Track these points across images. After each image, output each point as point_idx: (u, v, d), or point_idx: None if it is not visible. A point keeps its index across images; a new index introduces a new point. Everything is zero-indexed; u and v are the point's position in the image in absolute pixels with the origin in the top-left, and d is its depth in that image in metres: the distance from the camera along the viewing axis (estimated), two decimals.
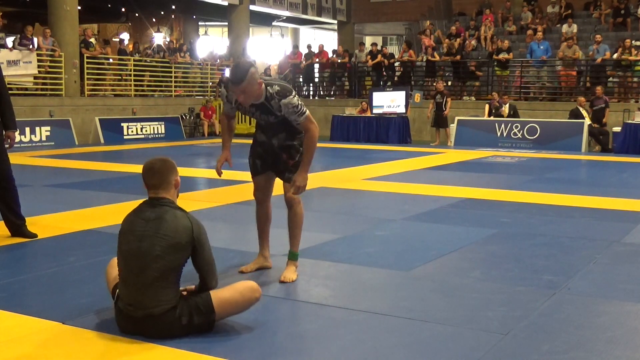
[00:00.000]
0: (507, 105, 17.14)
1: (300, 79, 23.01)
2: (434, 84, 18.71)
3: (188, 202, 6.98)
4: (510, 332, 3.65)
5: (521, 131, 16.51)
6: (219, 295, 3.61)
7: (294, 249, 4.74)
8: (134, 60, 19.65)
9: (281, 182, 4.70)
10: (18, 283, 4.57)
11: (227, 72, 22.06)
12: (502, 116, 17.05)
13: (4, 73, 6.00)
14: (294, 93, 4.33)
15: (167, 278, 3.45)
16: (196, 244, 3.51)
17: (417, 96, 18.74)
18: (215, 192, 8.87)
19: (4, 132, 5.77)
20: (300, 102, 4.34)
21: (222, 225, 6.67)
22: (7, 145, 5.80)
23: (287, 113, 4.31)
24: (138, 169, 12.26)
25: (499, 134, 16.74)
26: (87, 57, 17.84)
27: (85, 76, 17.95)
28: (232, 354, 3.31)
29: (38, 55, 16.64)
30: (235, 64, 4.37)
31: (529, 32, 20.33)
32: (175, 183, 3.62)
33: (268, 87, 4.28)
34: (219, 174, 4.72)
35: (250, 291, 3.68)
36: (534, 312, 4.02)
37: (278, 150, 4.60)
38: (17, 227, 5.76)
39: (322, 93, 23.06)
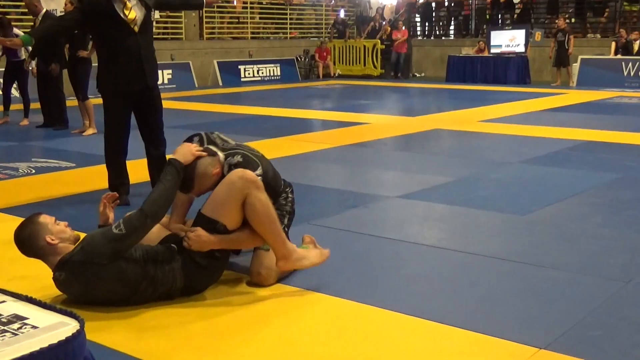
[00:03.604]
0: (639, 42, 16.15)
1: (417, 19, 22.58)
2: (556, 22, 17.87)
3: (303, 143, 7.08)
4: (632, 280, 3.53)
5: None
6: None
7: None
8: (250, 3, 19.86)
9: None
10: None
11: (341, 13, 21.96)
12: (631, 53, 16.11)
13: None
14: (258, 170, 3.48)
15: None
16: None
17: (538, 34, 18.01)
18: (329, 134, 8.94)
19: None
20: (255, 171, 3.42)
21: (336, 166, 6.75)
22: None
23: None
24: (255, 110, 12.43)
25: (625, 74, 15.88)
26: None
27: (204, 20, 18.34)
28: (342, 293, 3.37)
29: None
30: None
31: None
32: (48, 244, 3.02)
33: (229, 158, 3.53)
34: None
35: (238, 180, 3.26)
36: None
37: None
38: (118, 190, 4.94)
39: (438, 33, 22.57)
